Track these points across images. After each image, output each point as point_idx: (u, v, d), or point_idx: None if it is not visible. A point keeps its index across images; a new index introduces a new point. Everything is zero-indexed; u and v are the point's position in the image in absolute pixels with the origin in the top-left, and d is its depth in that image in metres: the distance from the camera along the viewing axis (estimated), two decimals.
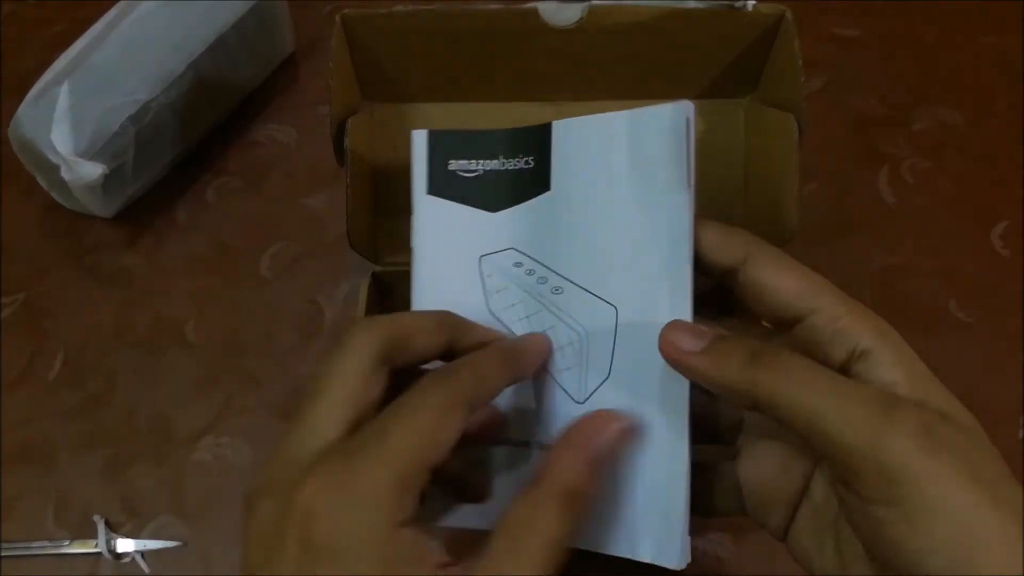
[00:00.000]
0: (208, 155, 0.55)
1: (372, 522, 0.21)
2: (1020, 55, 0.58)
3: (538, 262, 0.30)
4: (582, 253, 0.29)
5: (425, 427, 0.23)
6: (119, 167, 0.49)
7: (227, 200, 0.54)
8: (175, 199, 0.54)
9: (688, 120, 0.26)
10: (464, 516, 0.30)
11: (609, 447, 0.25)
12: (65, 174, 0.46)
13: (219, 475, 0.45)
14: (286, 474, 0.23)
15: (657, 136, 0.27)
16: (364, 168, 0.39)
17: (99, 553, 0.43)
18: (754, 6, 0.36)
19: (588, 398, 0.28)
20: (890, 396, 0.22)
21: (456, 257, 0.32)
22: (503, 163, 0.31)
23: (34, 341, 0.50)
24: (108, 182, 0.48)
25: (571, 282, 0.29)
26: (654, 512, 0.26)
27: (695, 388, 0.26)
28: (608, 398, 0.28)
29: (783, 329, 0.26)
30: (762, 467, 0.28)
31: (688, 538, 0.26)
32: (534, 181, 0.30)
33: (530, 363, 0.29)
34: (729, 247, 0.26)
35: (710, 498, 0.28)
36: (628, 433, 0.26)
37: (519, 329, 0.30)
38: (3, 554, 0.43)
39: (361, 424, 0.24)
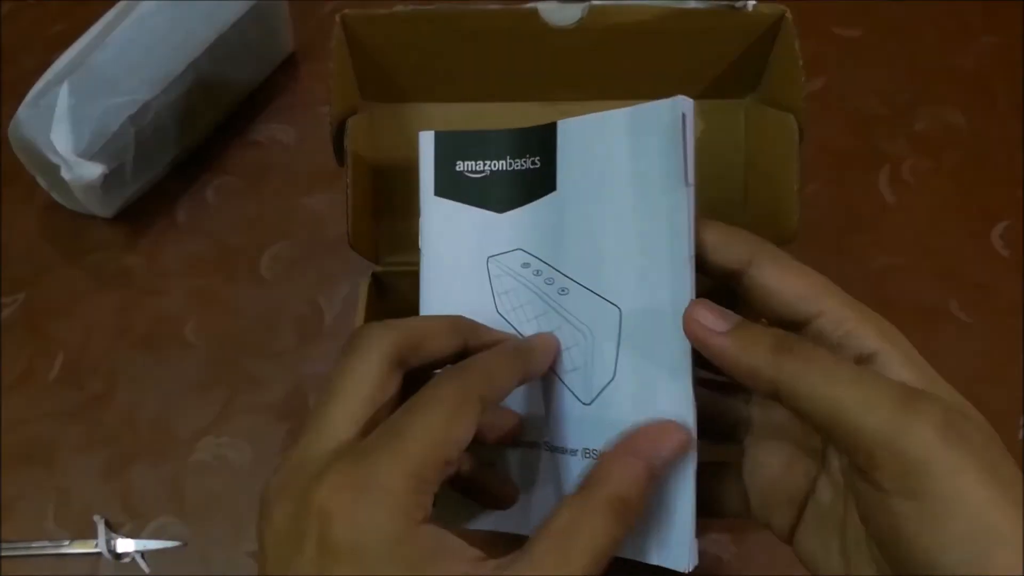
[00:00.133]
0: (208, 155, 0.55)
1: (390, 520, 0.21)
2: (1020, 55, 0.58)
3: (545, 263, 0.30)
4: (586, 253, 0.29)
5: (439, 425, 0.23)
6: (119, 167, 0.49)
7: (227, 200, 0.54)
8: (175, 199, 0.54)
9: (685, 116, 0.26)
10: (474, 518, 0.30)
11: (671, 458, 0.25)
12: (65, 174, 0.46)
13: (219, 475, 0.45)
14: (301, 475, 0.23)
15: (654, 133, 0.27)
16: (364, 168, 0.39)
17: (99, 553, 0.43)
18: (754, 6, 0.36)
19: (595, 399, 0.28)
20: (912, 389, 0.22)
21: (464, 258, 0.32)
22: (510, 163, 0.31)
23: (34, 341, 0.50)
24: (108, 182, 0.48)
25: (576, 282, 0.29)
26: (661, 514, 0.26)
27: (699, 388, 0.26)
28: (614, 400, 0.28)
29: (789, 331, 0.25)
30: (767, 468, 0.27)
31: (695, 540, 0.25)
32: (540, 181, 0.30)
33: (540, 362, 0.29)
34: (732, 249, 0.26)
35: (715, 499, 0.28)
36: (688, 446, 0.25)
37: (527, 330, 0.30)
38: (3, 554, 0.43)
39: (375, 426, 0.23)
